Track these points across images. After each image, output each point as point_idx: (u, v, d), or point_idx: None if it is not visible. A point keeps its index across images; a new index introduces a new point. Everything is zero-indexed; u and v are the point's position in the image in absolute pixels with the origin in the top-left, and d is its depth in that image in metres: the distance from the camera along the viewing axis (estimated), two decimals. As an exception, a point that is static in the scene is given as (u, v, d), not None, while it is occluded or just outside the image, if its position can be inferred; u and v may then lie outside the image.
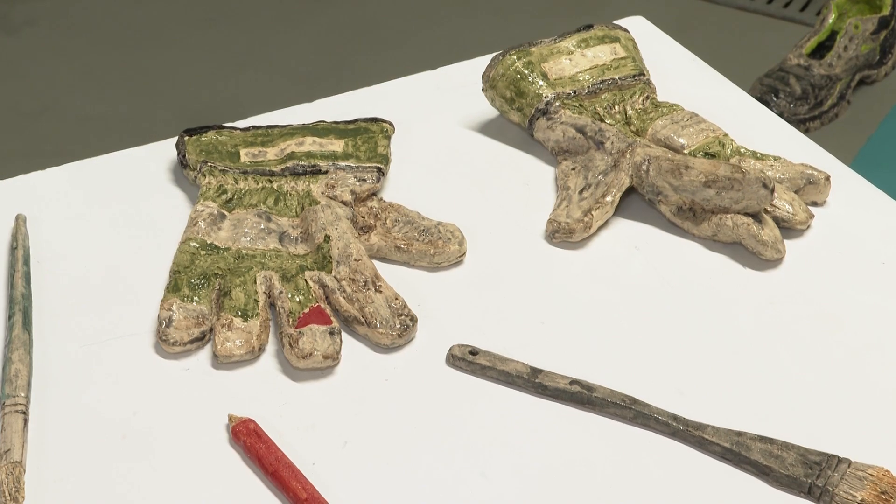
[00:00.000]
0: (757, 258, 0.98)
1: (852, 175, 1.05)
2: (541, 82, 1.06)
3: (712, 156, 1.02)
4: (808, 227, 1.00)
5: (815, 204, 1.02)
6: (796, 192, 1.01)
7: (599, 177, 1.01)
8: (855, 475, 0.82)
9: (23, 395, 0.86)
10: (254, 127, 1.06)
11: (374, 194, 1.01)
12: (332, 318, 0.91)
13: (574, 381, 0.88)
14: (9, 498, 0.80)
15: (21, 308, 0.91)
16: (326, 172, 1.01)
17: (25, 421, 0.85)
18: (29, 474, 0.83)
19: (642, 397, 0.87)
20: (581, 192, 1.01)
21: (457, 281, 0.97)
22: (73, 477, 0.83)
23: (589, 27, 1.10)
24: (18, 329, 0.90)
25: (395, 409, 0.88)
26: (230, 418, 0.86)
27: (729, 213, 0.97)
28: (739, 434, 0.85)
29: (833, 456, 0.83)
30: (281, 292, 0.93)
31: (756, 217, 0.97)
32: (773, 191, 0.96)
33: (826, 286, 0.96)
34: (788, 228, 0.99)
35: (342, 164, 1.02)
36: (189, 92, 2.17)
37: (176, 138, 1.06)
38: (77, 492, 0.82)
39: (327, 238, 0.96)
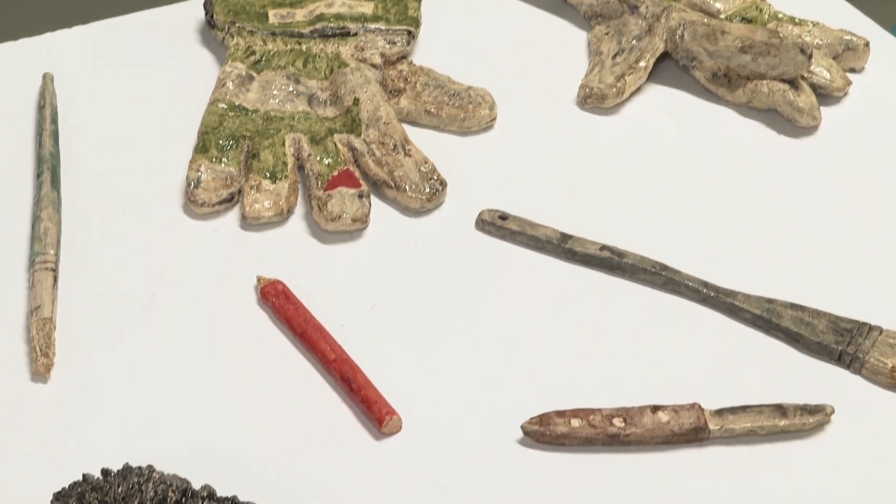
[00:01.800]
0: (792, 125, 0.97)
1: (892, 41, 1.03)
2: (575, -56, 1.04)
3: (749, 21, 1.01)
4: (846, 93, 0.99)
5: (853, 70, 1.01)
6: (834, 58, 1.00)
7: (633, 41, 0.99)
8: (886, 342, 0.81)
9: (52, 252, 0.85)
10: (282, -12, 1.04)
11: (404, 57, 1.00)
12: (360, 181, 0.91)
13: (604, 247, 0.87)
14: (40, 354, 0.80)
15: (49, 167, 0.91)
16: (356, 35, 1.00)
17: (55, 279, 0.85)
18: (58, 332, 0.83)
19: (673, 264, 0.87)
20: (614, 56, 0.99)
21: (487, 146, 0.96)
22: (102, 335, 0.83)
23: None
24: (47, 187, 0.89)
25: (424, 273, 0.87)
26: (259, 280, 0.86)
27: (765, 80, 0.96)
28: (770, 301, 0.84)
29: (864, 323, 0.83)
30: (310, 155, 0.92)
31: (792, 83, 0.96)
32: (810, 56, 0.94)
33: (862, 154, 0.95)
34: (825, 95, 0.98)
35: (372, 26, 1.00)
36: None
37: (204, -1, 1.05)
38: (106, 350, 0.82)
39: (356, 101, 0.95)
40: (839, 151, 0.95)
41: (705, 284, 0.85)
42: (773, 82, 0.96)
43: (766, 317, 0.83)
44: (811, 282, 0.86)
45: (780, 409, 0.78)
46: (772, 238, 0.89)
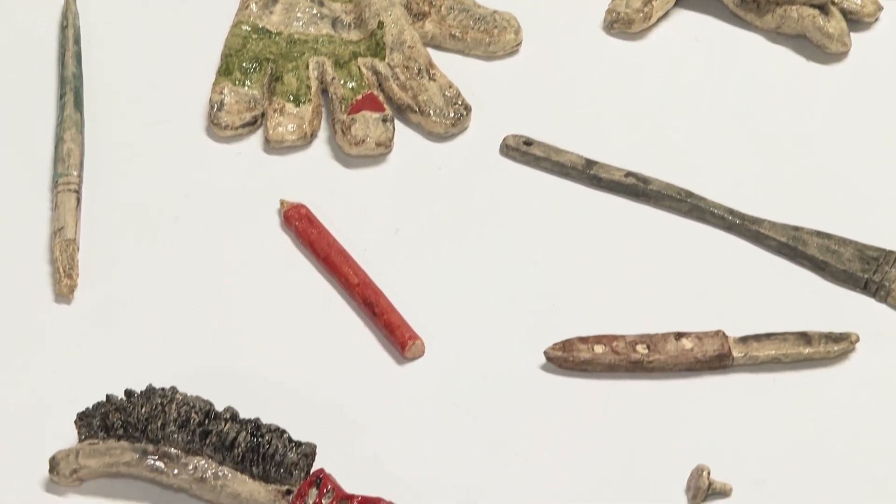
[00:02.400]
0: (821, 52, 0.95)
1: (923, -32, 1.02)
2: None
3: (778, -54, 0.99)
4: (877, 19, 0.97)
5: (883, -3, 1.00)
6: (864, -16, 0.98)
7: (661, -34, 0.98)
8: (913, 271, 0.81)
9: (75, 174, 0.85)
10: None
11: (429, -20, 0.99)
12: (385, 106, 0.90)
13: (629, 174, 0.87)
14: (63, 275, 0.80)
15: (72, 88, 0.90)
16: (380, -43, 0.99)
17: (78, 200, 0.84)
18: (81, 253, 0.83)
19: (698, 191, 0.86)
20: (641, -19, 0.98)
21: (512, 70, 0.95)
22: (125, 257, 0.83)
23: None
24: (70, 108, 0.89)
25: (448, 198, 0.87)
26: (282, 203, 0.86)
27: (794, 5, 0.95)
28: (796, 229, 0.83)
29: (891, 252, 0.82)
30: (333, 78, 0.91)
31: (822, 8, 0.95)
32: (840, -18, 0.93)
33: (892, 81, 0.94)
34: (856, 21, 0.97)
35: (397, -52, 0.99)
36: None
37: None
38: (129, 271, 0.82)
39: (381, 24, 0.94)
40: (869, 78, 0.94)
41: (731, 212, 0.85)
42: (802, 7, 0.94)
43: (792, 244, 0.83)
44: (837, 209, 0.85)
45: (805, 337, 0.78)
46: (798, 165, 0.88)
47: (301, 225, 0.84)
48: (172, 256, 0.83)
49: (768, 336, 0.78)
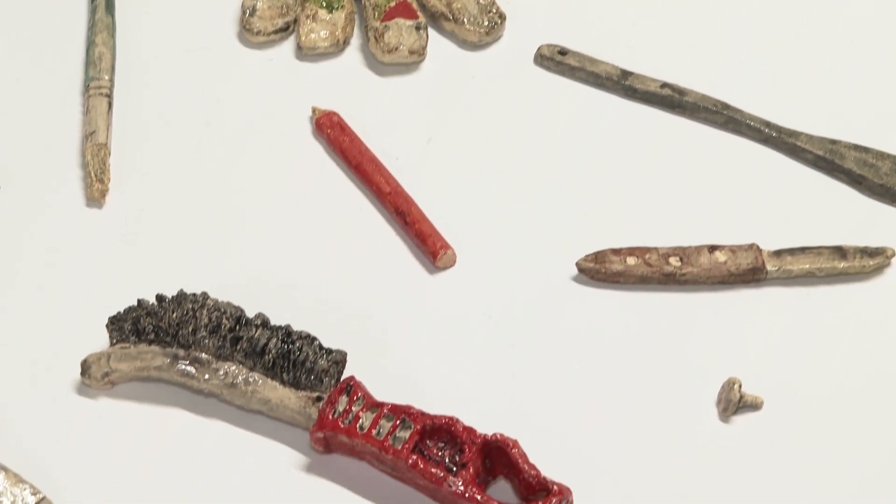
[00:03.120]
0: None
1: None
2: None
3: None
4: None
5: None
6: None
7: None
8: (951, 187, 0.80)
9: (107, 78, 0.85)
10: None
11: None
12: (418, 13, 0.89)
13: (665, 85, 0.86)
14: (94, 179, 0.80)
15: (104, -9, 0.90)
16: None
17: (110, 104, 0.84)
18: (112, 158, 0.82)
19: (735, 103, 0.85)
20: None
21: (547, -21, 0.94)
22: (156, 162, 0.83)
23: None
24: (101, 12, 0.88)
25: (481, 108, 0.86)
26: (314, 111, 0.85)
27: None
28: (833, 142, 0.82)
29: (930, 167, 0.81)
30: (367, -15, 0.90)
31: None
32: None
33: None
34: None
35: None
36: None
37: None
38: (160, 177, 0.82)
39: (415, -70, 0.93)
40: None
41: (767, 124, 0.84)
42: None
43: (829, 158, 0.82)
44: (876, 122, 0.84)
45: (840, 251, 0.77)
46: (836, 77, 0.87)
47: (333, 132, 0.84)
48: (203, 162, 0.83)
49: (803, 250, 0.77)
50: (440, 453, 0.69)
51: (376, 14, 0.89)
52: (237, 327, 0.71)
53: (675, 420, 0.72)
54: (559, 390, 0.73)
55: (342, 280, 0.78)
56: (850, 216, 0.80)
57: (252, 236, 0.80)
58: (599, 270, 0.77)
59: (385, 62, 0.88)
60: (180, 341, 0.71)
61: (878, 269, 0.77)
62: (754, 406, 0.72)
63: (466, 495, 0.67)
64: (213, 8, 0.91)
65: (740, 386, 0.72)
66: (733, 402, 0.71)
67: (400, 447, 0.68)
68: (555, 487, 0.67)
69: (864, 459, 0.70)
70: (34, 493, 0.67)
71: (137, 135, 0.84)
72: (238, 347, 0.71)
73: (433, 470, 0.68)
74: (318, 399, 0.70)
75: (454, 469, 0.68)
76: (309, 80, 0.87)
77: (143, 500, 0.69)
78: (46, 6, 0.91)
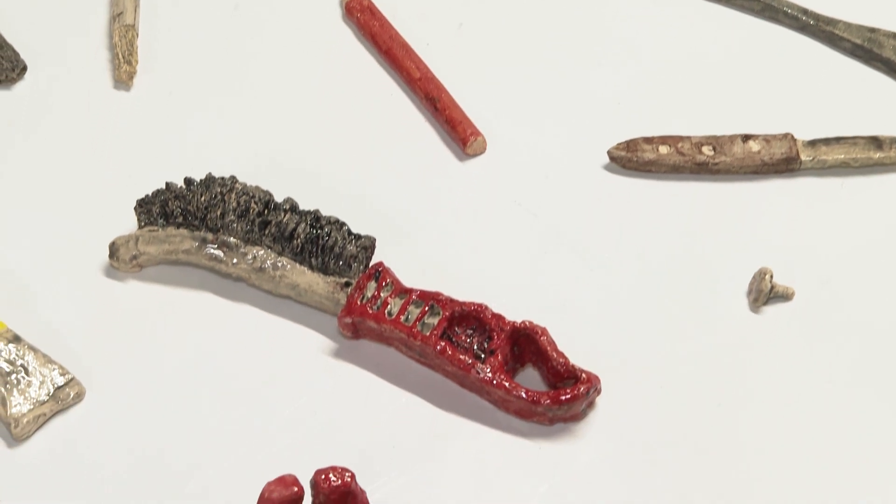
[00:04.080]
0: None
1: None
2: None
3: None
4: None
5: None
6: None
7: None
8: None
9: (134, -40, 0.84)
10: None
11: None
12: None
13: (701, -29, 0.85)
14: (122, 61, 0.79)
15: None
16: None
17: (137, -14, 0.83)
18: (140, 39, 0.82)
19: (772, -10, 0.84)
20: None
21: None
22: (184, 44, 0.82)
23: None
24: None
25: (513, -7, 0.85)
26: (344, -6, 0.84)
27: None
28: (872, 30, 0.81)
29: (970, 57, 0.80)
30: None
31: None
32: None
33: None
34: None
35: None
36: None
37: None
38: (188, 59, 0.81)
39: None
40: None
41: (805, 12, 0.82)
42: None
43: (867, 46, 0.80)
44: (916, 12, 0.83)
45: (876, 142, 0.76)
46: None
47: (363, 17, 0.83)
48: (232, 45, 0.82)
49: (838, 140, 0.76)
50: (468, 340, 0.69)
51: None
52: (265, 212, 0.71)
53: (705, 310, 0.71)
54: (588, 279, 0.73)
55: (371, 166, 0.77)
56: (886, 106, 0.79)
57: (281, 121, 0.79)
58: (631, 159, 0.76)
59: (416, -54, 0.87)
60: (208, 225, 0.71)
61: (915, 160, 0.76)
62: (785, 296, 0.72)
63: (494, 382, 0.67)
64: None
65: (771, 276, 0.71)
66: (764, 293, 0.71)
67: (428, 333, 0.68)
68: (583, 375, 0.67)
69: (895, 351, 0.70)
70: (63, 374, 0.67)
71: (166, 16, 0.83)
72: (266, 232, 0.71)
73: (461, 356, 0.68)
74: (347, 284, 0.70)
75: (482, 356, 0.68)
76: (339, -36, 0.86)
77: (170, 382, 0.69)
78: None
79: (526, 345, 0.68)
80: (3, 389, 0.66)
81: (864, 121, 0.78)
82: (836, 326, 0.71)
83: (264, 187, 0.73)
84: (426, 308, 0.69)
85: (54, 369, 0.68)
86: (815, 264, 0.73)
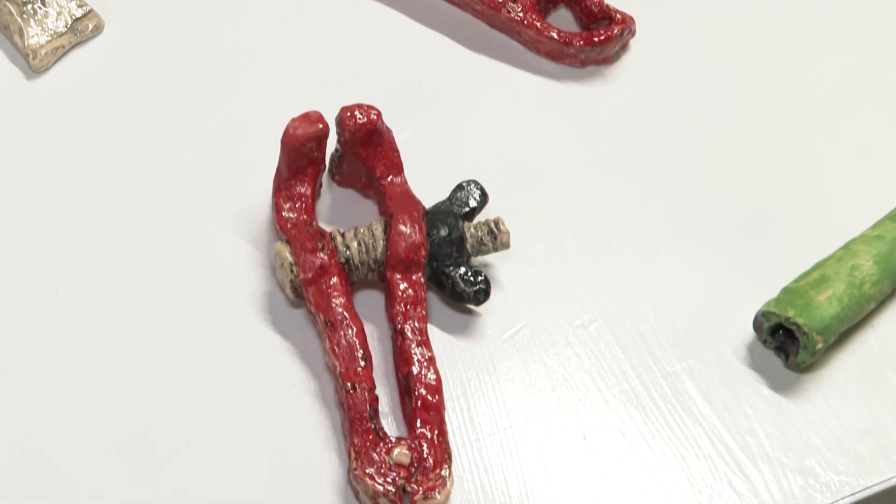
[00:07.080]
0: None
1: None
2: None
3: None
4: None
5: None
6: None
7: None
8: None
9: None
10: None
11: None
12: None
13: None
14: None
15: None
16: None
17: None
18: None
19: None
20: None
21: None
22: None
23: None
24: None
25: None
26: None
27: None
28: None
29: None
30: None
31: None
32: None
33: None
34: None
35: None
36: None
37: None
38: None
39: None
40: None
41: None
42: None
43: None
44: None
45: None
46: None
47: None
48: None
49: None
50: None
51: None
52: None
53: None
54: None
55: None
56: None
57: None
58: None
59: None
60: None
61: None
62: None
63: (525, 22, 0.65)
64: None
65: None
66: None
67: (458, -30, 0.65)
68: (618, 16, 0.65)
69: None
70: (81, 6, 0.65)
71: None
72: None
73: None
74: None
75: (513, -5, 0.66)
76: None
77: (194, 19, 0.67)
78: None
79: (559, -15, 0.66)
80: (19, 20, 0.64)
81: None
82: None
83: None
84: (456, -56, 0.66)
85: (72, 0, 0.65)
86: None
